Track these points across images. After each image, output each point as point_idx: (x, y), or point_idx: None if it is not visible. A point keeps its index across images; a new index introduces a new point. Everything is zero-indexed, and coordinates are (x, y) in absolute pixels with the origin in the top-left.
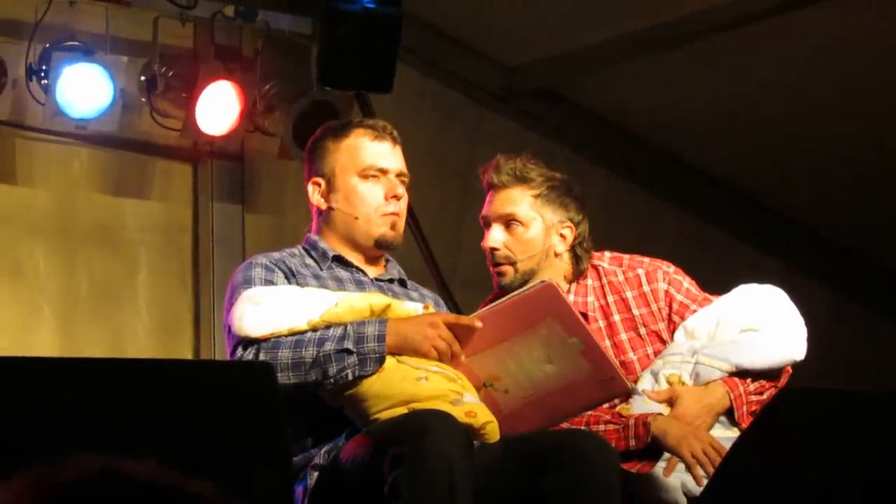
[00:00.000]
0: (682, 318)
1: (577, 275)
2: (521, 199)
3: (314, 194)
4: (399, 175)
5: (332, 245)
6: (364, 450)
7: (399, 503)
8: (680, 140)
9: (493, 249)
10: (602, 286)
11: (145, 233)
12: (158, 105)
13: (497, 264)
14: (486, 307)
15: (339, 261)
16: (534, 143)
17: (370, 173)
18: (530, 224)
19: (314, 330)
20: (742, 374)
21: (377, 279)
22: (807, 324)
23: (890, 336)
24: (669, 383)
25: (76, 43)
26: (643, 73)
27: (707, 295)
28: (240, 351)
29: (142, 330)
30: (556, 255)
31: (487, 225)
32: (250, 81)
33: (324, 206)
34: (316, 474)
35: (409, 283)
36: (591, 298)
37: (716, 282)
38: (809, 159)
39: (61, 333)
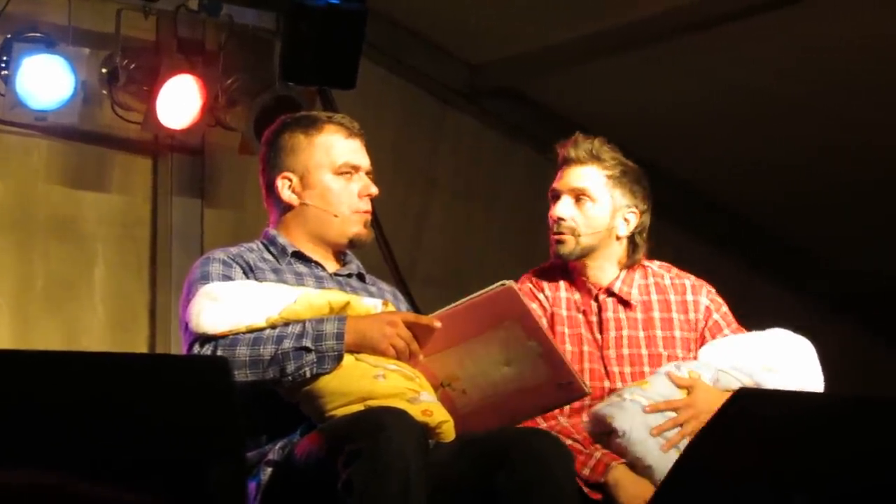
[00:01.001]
0: (713, 338)
1: (631, 263)
2: (594, 176)
3: (284, 189)
4: (368, 173)
5: (293, 240)
6: (319, 446)
7: (353, 500)
8: (642, 141)
9: (560, 219)
10: (647, 284)
11: (103, 226)
12: (119, 98)
13: (559, 233)
14: (446, 308)
15: (299, 256)
16: (496, 142)
17: (344, 170)
18: (599, 201)
19: (273, 327)
20: None
21: (336, 274)
22: (763, 325)
23: (842, 337)
24: (690, 377)
25: (38, 34)
26: (607, 74)
27: (740, 325)
28: (197, 347)
29: (97, 324)
30: (618, 238)
31: (556, 197)
32: (212, 75)
33: (295, 202)
34: (269, 470)
35: (367, 277)
36: (634, 291)
37: None
38: (772, 161)
39: (16, 326)
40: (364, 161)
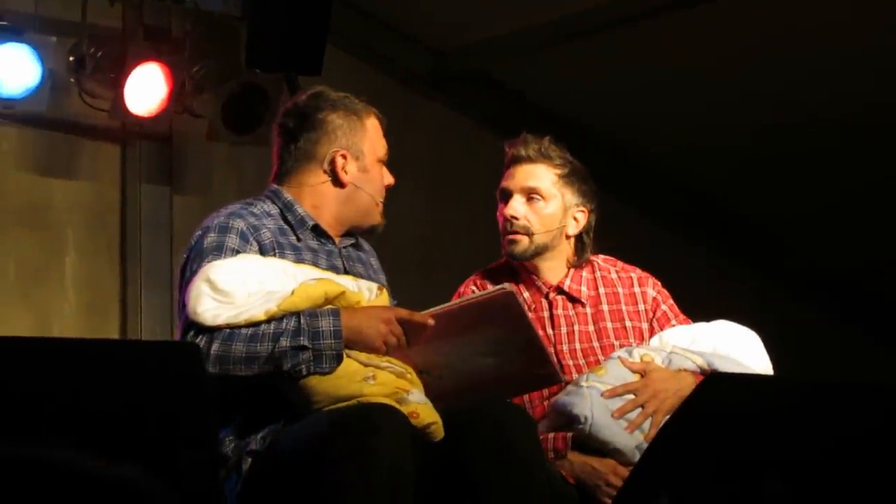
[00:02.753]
0: (661, 328)
1: (579, 262)
2: (545, 175)
3: (340, 168)
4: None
5: (315, 213)
6: (306, 439)
7: (342, 499)
8: (609, 123)
9: (513, 218)
10: (595, 279)
11: (73, 213)
12: (87, 85)
13: (512, 232)
14: (442, 305)
15: (316, 230)
16: (464, 128)
17: (384, 159)
18: (551, 200)
19: (269, 321)
20: None
21: (343, 248)
22: (730, 311)
23: (810, 321)
24: (643, 361)
25: (4, 23)
26: (573, 58)
27: (686, 318)
28: (192, 335)
29: (68, 310)
30: (567, 237)
31: (506, 197)
32: (179, 63)
33: (349, 181)
34: (251, 460)
35: (362, 244)
36: (584, 287)
37: (644, 269)
38: (737, 143)
39: None
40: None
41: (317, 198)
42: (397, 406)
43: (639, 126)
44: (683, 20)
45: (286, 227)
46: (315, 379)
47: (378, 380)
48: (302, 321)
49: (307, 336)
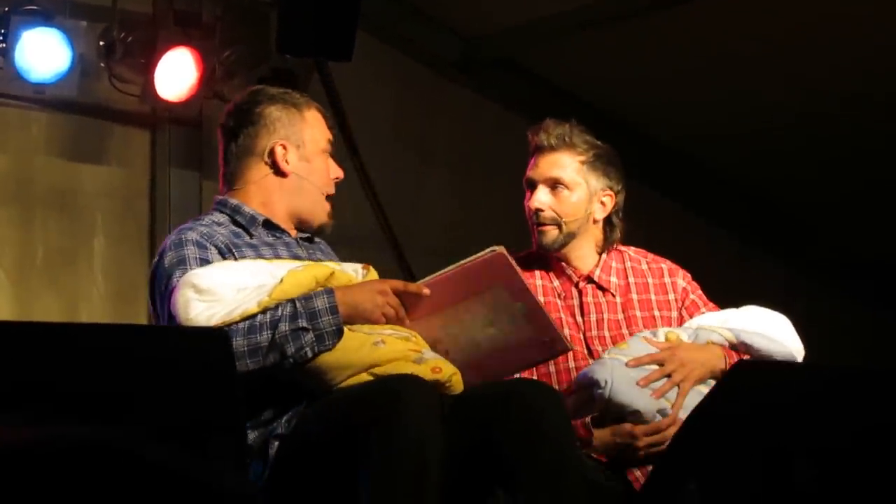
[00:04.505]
0: (691, 317)
1: (608, 245)
2: (568, 163)
3: (281, 158)
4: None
5: (261, 209)
6: (332, 418)
7: (372, 474)
8: (638, 110)
9: (539, 210)
10: (625, 269)
11: (102, 198)
12: (117, 70)
13: (541, 224)
14: (436, 273)
15: (268, 225)
16: (491, 113)
17: (328, 150)
18: (575, 189)
19: (264, 311)
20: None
21: (299, 239)
22: (759, 298)
23: (840, 308)
24: (668, 339)
25: (35, 7)
26: (602, 44)
27: (716, 306)
28: None
29: (97, 296)
30: (595, 221)
31: (531, 186)
32: (209, 48)
33: (290, 171)
34: (277, 444)
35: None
36: (613, 277)
37: (673, 256)
38: (766, 130)
39: (16, 299)
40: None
41: (263, 194)
42: (415, 366)
43: (666, 112)
44: (712, 6)
45: (238, 229)
46: (324, 356)
47: (388, 344)
48: (297, 305)
49: (305, 318)
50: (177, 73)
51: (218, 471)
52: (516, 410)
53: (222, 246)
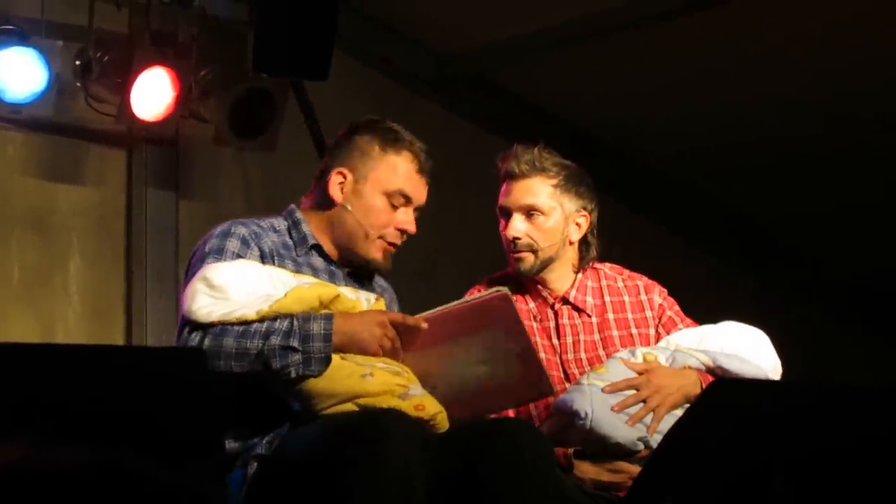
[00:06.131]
0: (668, 333)
1: (585, 264)
2: (541, 189)
3: (334, 184)
4: (418, 209)
5: (317, 232)
6: (314, 444)
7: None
8: (613, 127)
9: (516, 238)
10: (601, 287)
11: (78, 218)
12: (93, 90)
13: (518, 251)
14: (436, 309)
15: (317, 250)
16: (466, 132)
17: (396, 198)
18: (551, 213)
19: (262, 320)
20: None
21: (348, 271)
22: (734, 314)
23: (814, 325)
24: (645, 360)
25: (10, 27)
26: (577, 62)
27: (693, 322)
28: (186, 332)
29: (73, 316)
30: (571, 243)
31: (506, 214)
32: (186, 67)
33: (339, 200)
34: (256, 464)
35: (378, 279)
36: (588, 297)
37: (651, 273)
38: (741, 147)
39: None
40: (420, 197)
41: (318, 218)
42: (400, 401)
43: (642, 129)
44: (686, 25)
45: (290, 242)
46: (312, 380)
47: (376, 377)
48: (294, 323)
49: (297, 338)
50: (153, 93)
51: (196, 489)
52: (501, 445)
53: (267, 250)
